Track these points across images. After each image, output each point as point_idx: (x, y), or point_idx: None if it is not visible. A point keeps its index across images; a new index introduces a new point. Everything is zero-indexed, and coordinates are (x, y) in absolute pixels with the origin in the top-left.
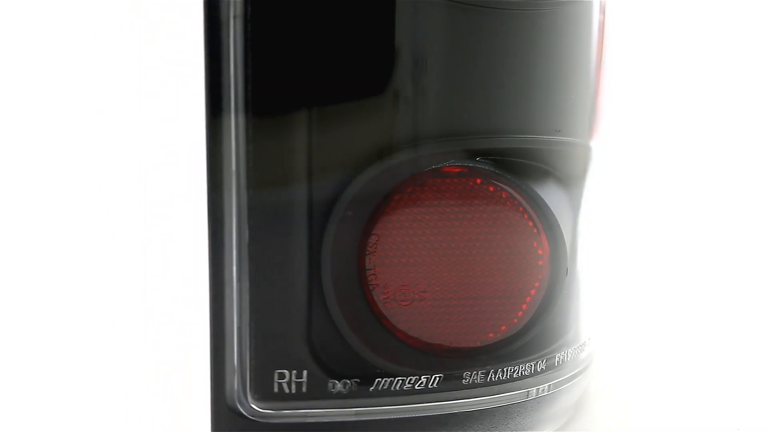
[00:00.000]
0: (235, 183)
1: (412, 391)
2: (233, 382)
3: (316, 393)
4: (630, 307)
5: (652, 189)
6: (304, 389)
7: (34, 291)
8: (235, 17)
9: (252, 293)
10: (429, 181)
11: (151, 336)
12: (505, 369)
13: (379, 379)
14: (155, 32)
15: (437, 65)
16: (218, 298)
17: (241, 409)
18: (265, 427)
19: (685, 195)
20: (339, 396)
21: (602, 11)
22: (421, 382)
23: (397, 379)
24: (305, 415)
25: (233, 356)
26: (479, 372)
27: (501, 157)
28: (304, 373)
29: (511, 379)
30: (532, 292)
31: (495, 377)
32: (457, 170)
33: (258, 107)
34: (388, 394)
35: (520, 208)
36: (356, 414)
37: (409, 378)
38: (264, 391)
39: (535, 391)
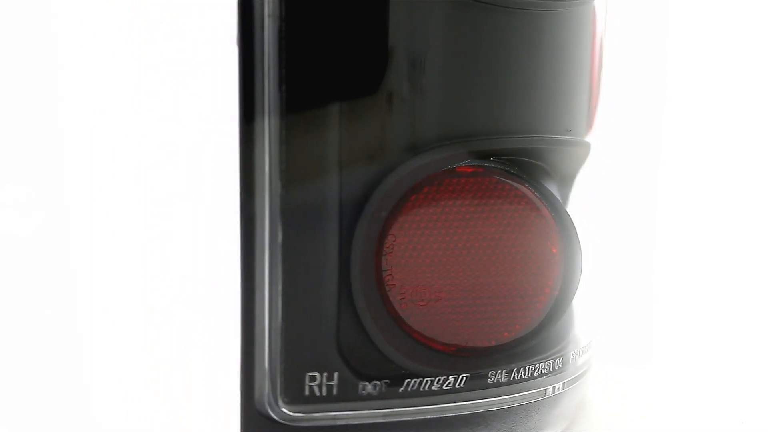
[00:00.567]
0: (268, 185)
1: (440, 392)
2: (263, 386)
3: (346, 395)
4: (629, 307)
5: (648, 189)
6: (334, 392)
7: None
8: (269, 16)
9: (284, 296)
10: (445, 181)
11: (181, 339)
12: (527, 367)
13: (408, 380)
14: (185, 33)
15: (459, 66)
16: (249, 301)
17: (272, 413)
18: (294, 431)
19: (682, 194)
20: (369, 398)
21: (606, 11)
22: (449, 382)
23: (425, 379)
24: (335, 418)
25: (264, 360)
26: (504, 371)
27: (515, 156)
28: (335, 375)
29: (532, 377)
30: (547, 290)
31: (518, 376)
32: (471, 170)
33: (291, 108)
34: (416, 394)
35: (536, 208)
36: (385, 415)
37: (437, 378)
38: (295, 395)
39: (551, 389)
